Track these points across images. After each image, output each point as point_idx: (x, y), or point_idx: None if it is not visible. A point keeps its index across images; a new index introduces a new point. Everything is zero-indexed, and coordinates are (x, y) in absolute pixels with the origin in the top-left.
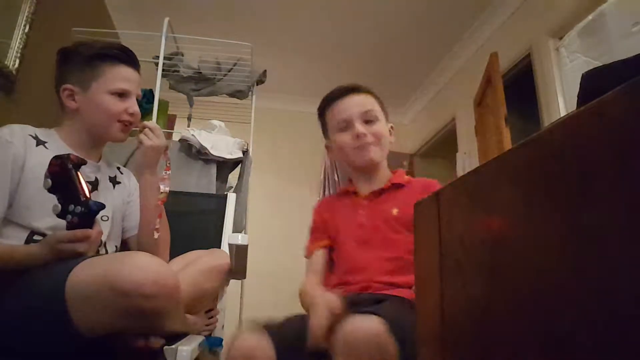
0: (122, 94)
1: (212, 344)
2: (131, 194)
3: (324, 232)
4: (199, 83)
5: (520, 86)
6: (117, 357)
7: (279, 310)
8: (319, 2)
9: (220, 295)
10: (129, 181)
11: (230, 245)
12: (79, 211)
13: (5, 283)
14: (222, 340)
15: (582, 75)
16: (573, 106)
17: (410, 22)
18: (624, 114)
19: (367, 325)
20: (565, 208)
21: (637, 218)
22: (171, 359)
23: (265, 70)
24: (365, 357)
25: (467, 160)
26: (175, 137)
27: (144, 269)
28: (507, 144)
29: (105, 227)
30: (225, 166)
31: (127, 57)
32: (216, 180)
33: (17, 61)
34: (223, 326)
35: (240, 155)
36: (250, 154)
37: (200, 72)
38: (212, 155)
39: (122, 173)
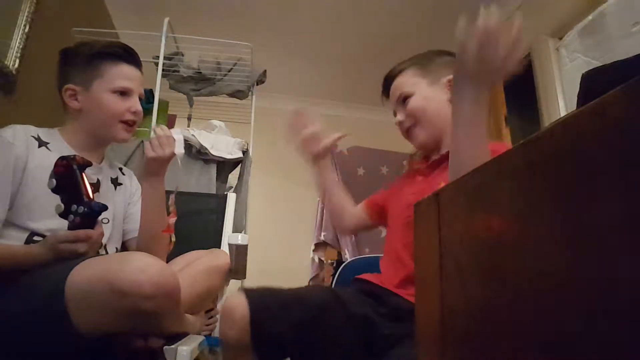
0: (124, 93)
1: (212, 344)
2: (132, 196)
3: (375, 199)
4: (199, 83)
5: (520, 86)
6: (117, 357)
7: None
8: (319, 2)
9: (220, 295)
10: (131, 182)
11: (230, 245)
12: (82, 211)
13: (5, 283)
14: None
15: (582, 75)
16: (573, 106)
17: (411, 22)
18: (624, 114)
19: None
20: (565, 208)
21: (637, 218)
22: (171, 359)
23: (265, 70)
24: None
25: None
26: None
27: (144, 269)
28: (507, 144)
29: (106, 229)
30: (225, 166)
31: (129, 56)
32: (216, 180)
33: (17, 61)
34: None
35: (240, 155)
36: (250, 154)
37: (200, 72)
38: (212, 155)
39: (124, 174)
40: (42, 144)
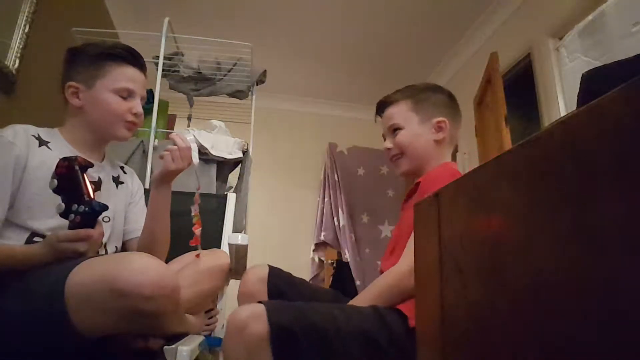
0: (126, 94)
1: (212, 344)
2: (134, 195)
3: None
4: (199, 83)
5: (520, 86)
6: (117, 358)
7: None
8: (319, 2)
9: (220, 295)
10: (132, 181)
11: (230, 245)
12: (82, 210)
13: (5, 283)
14: (222, 340)
15: (582, 75)
16: (573, 106)
17: (410, 22)
18: (624, 114)
19: None
20: (565, 208)
21: (637, 218)
22: (171, 359)
23: (265, 70)
24: None
25: (467, 160)
26: None
27: (144, 270)
28: (507, 144)
29: (106, 228)
30: (225, 166)
31: (133, 58)
32: (216, 180)
33: (17, 61)
34: (223, 326)
35: (240, 155)
36: (250, 154)
37: (200, 72)
38: (212, 155)
39: (125, 173)
40: (42, 143)
